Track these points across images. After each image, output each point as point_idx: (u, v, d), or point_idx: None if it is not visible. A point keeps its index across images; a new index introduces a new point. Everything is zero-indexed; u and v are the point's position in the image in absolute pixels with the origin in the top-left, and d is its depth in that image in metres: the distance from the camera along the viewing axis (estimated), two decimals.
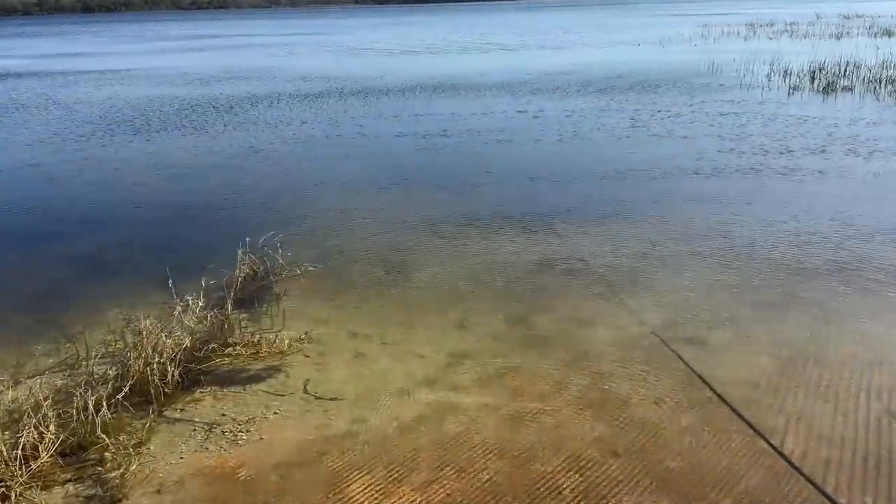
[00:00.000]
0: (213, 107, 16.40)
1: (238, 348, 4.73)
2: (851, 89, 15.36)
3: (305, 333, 4.98)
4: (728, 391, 4.16)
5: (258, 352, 4.70)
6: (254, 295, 5.71)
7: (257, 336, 4.86)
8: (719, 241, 6.69)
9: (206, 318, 4.98)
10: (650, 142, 11.08)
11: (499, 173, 9.59)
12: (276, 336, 4.87)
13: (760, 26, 40.45)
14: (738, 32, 36.35)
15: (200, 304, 5.04)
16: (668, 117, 13.04)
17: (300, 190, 9.07)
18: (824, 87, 15.64)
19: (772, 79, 17.60)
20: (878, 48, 24.42)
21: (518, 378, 4.38)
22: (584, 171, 9.51)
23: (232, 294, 5.39)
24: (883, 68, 17.94)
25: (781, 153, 9.97)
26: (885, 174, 8.77)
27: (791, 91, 15.60)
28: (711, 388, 4.22)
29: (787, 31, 36.47)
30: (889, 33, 30.97)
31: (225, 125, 14.03)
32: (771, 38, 31.80)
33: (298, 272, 6.10)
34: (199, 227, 7.65)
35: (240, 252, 5.94)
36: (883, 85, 15.60)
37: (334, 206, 8.30)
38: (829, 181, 8.54)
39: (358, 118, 14.33)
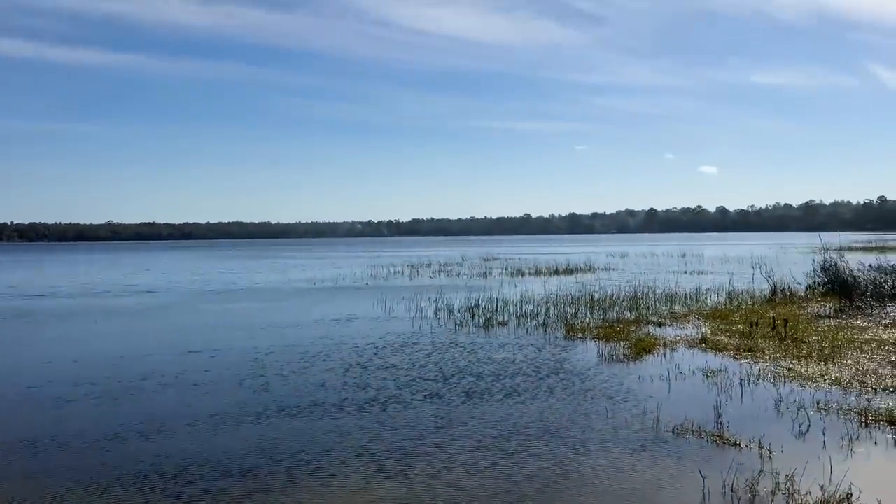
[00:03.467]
0: None
1: None
2: (506, 324, 17.13)
3: None
4: None
5: None
6: None
7: None
8: None
9: None
10: (334, 377, 10.37)
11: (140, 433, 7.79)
12: None
13: (420, 266, 45.50)
14: (404, 272, 40.15)
15: None
16: (354, 354, 12.67)
17: None
18: (484, 323, 17.19)
19: (439, 316, 18.95)
20: (516, 285, 28.73)
21: None
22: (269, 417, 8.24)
23: None
24: (524, 303, 20.71)
25: (469, 381, 10.07)
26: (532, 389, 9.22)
27: (457, 327, 16.78)
28: None
29: (442, 270, 41.46)
30: (521, 273, 37.11)
31: None
32: (431, 277, 35.60)
33: None
34: None
35: None
36: (529, 319, 17.77)
37: None
38: (532, 402, 8.62)
39: None
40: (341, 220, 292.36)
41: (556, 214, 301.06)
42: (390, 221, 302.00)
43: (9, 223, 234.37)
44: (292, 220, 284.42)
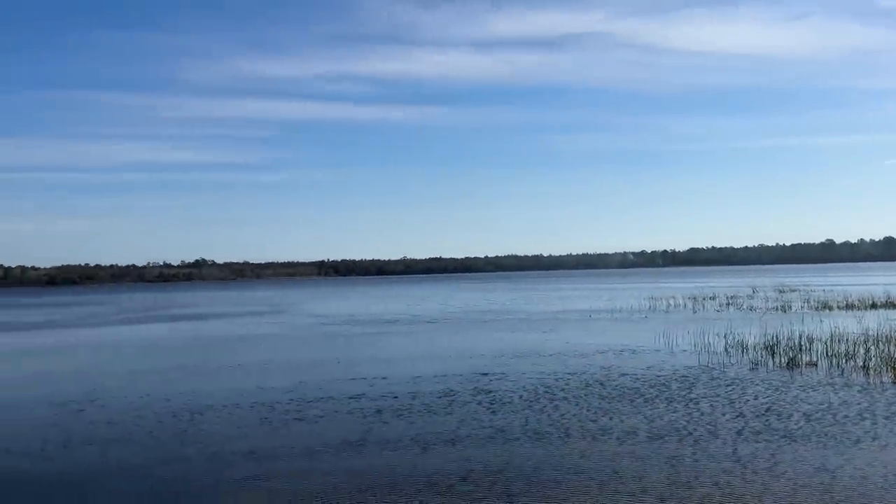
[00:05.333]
0: None
1: None
2: (815, 364, 15.10)
3: None
4: None
5: None
6: None
7: None
8: None
9: None
10: (620, 406, 10.13)
11: None
12: None
13: (704, 299, 42.31)
14: (685, 305, 37.75)
15: None
16: (639, 385, 12.27)
17: None
18: (787, 363, 15.35)
19: (730, 352, 17.45)
20: (822, 321, 25.19)
21: None
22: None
23: None
24: (835, 341, 18.03)
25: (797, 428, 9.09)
26: None
27: (754, 365, 15.27)
28: None
29: (730, 303, 38.13)
30: (828, 306, 32.51)
31: None
32: (717, 311, 32.99)
33: None
34: None
35: None
36: (845, 360, 15.43)
37: None
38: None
39: None
40: (612, 252, 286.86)
41: (867, 239, 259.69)
42: (665, 251, 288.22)
43: (326, 260, 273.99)
44: (563, 253, 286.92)
